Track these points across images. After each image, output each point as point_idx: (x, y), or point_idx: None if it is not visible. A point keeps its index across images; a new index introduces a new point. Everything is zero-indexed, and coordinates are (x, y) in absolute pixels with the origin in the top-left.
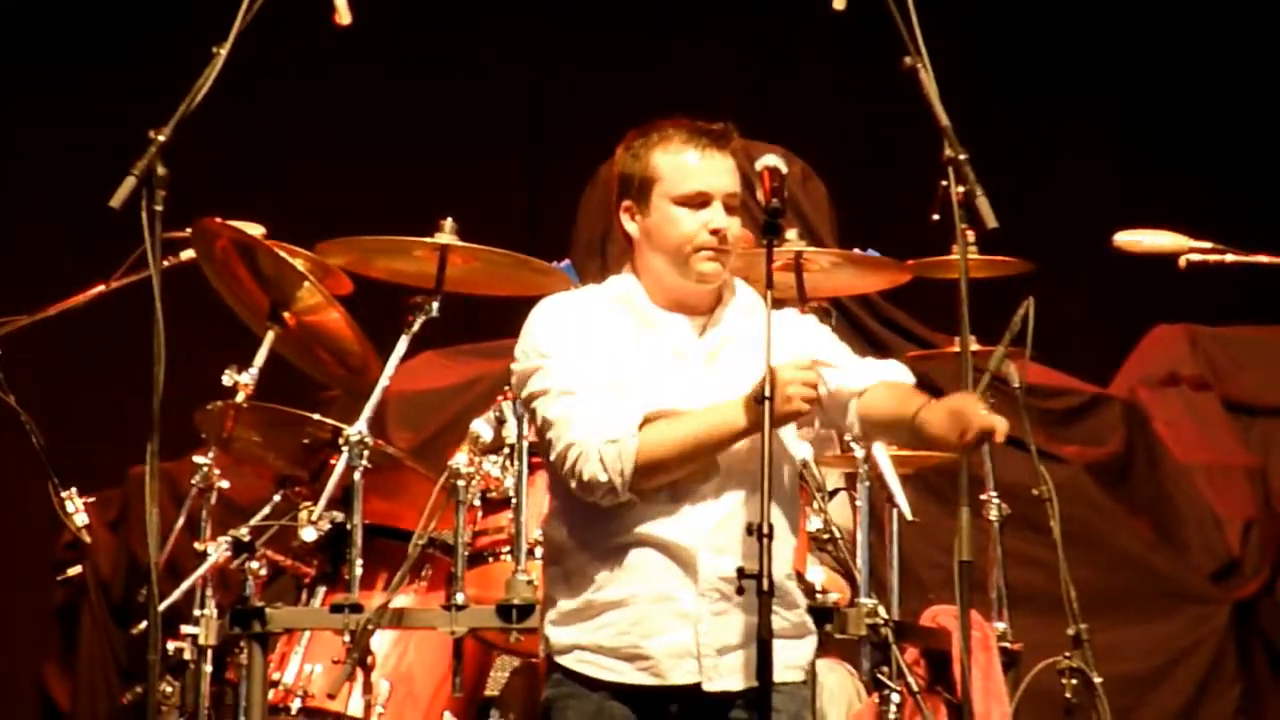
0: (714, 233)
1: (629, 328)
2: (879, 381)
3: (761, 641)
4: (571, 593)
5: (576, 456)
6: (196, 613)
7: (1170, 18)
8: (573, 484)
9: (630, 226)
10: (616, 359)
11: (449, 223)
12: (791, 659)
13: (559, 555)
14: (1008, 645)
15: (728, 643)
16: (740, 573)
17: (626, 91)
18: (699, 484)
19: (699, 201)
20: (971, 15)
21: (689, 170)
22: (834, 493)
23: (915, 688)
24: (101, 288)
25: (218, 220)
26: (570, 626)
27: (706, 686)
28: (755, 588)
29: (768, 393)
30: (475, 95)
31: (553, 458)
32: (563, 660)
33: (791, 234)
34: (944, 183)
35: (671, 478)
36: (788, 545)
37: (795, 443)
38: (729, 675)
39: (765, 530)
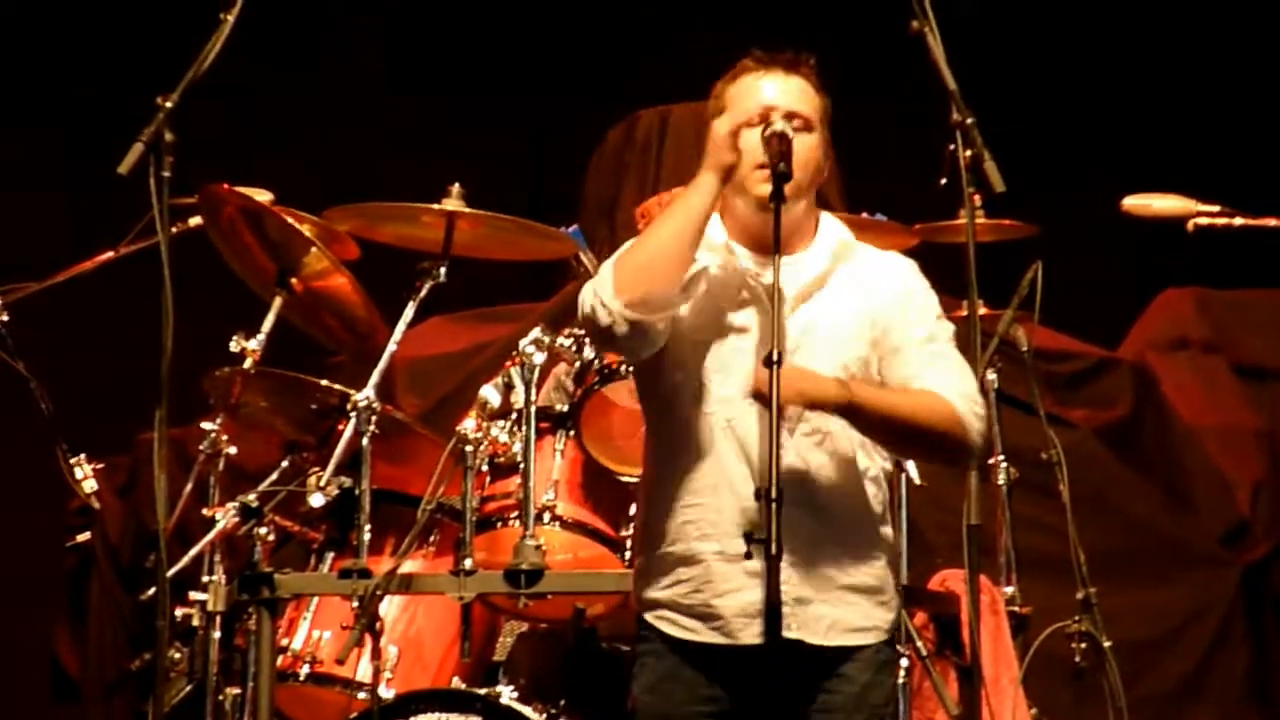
0: (768, 141)
1: (703, 261)
2: (920, 390)
3: (771, 606)
4: (648, 547)
5: (581, 308)
6: (205, 579)
7: None
8: (591, 334)
9: None
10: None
11: (456, 188)
12: (861, 620)
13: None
14: (1016, 609)
15: (801, 595)
16: (748, 538)
17: (632, 58)
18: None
19: (760, 119)
20: None
21: (750, 90)
22: None
23: (924, 652)
24: (110, 254)
25: (225, 187)
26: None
27: (786, 634)
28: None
29: (776, 356)
30: (480, 61)
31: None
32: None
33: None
34: (951, 147)
35: (660, 272)
36: (873, 510)
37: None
38: (801, 629)
39: (774, 495)
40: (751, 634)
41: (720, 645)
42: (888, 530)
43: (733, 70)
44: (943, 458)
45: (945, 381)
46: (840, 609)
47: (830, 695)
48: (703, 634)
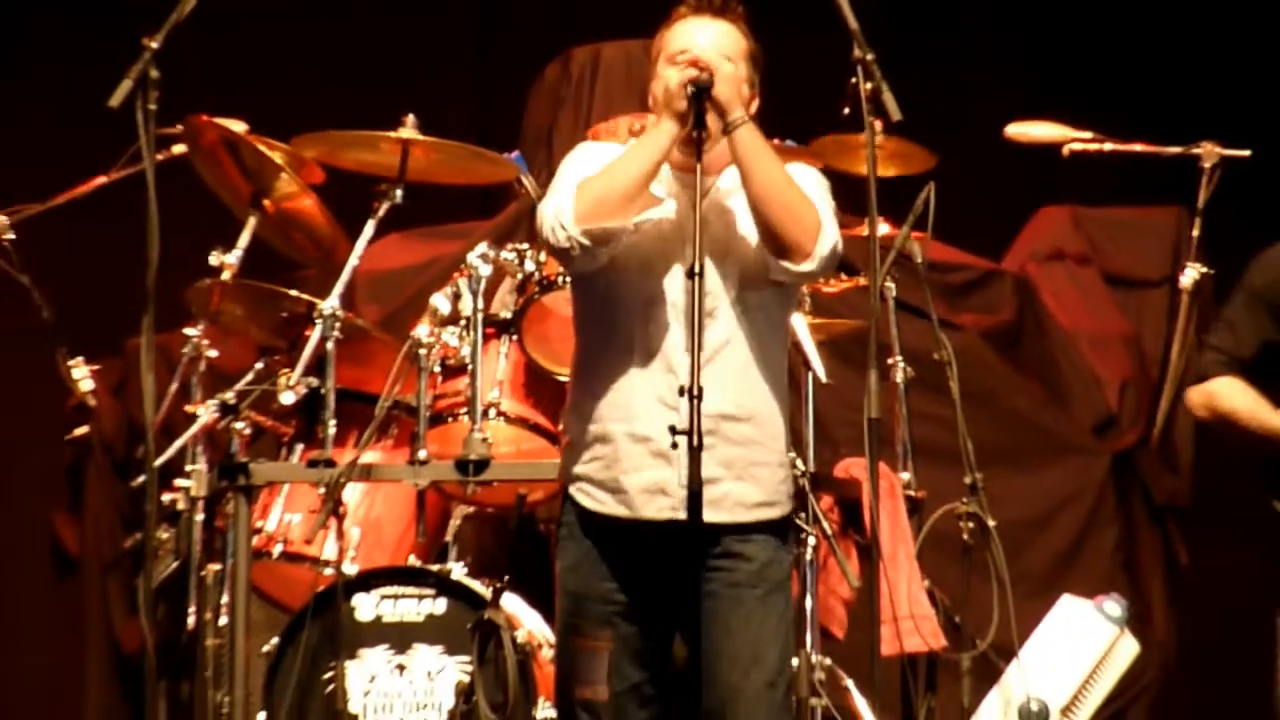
0: (692, 73)
1: None
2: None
3: (692, 493)
4: (573, 426)
5: (540, 222)
6: (189, 468)
7: None
8: (547, 248)
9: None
10: None
11: (411, 118)
12: (761, 497)
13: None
14: (912, 493)
15: (710, 475)
16: (672, 430)
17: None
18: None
19: (682, 54)
20: None
21: (678, 32)
22: None
23: (829, 532)
24: (102, 179)
25: (205, 118)
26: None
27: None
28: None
29: (699, 268)
30: (437, 4)
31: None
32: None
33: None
34: (853, 80)
35: (616, 206)
36: (773, 402)
37: (776, 316)
38: (708, 506)
39: (695, 392)
40: (652, 509)
41: (625, 519)
42: (785, 420)
43: (669, 17)
44: (786, 239)
45: (824, 211)
46: (743, 488)
47: (732, 572)
48: (610, 506)
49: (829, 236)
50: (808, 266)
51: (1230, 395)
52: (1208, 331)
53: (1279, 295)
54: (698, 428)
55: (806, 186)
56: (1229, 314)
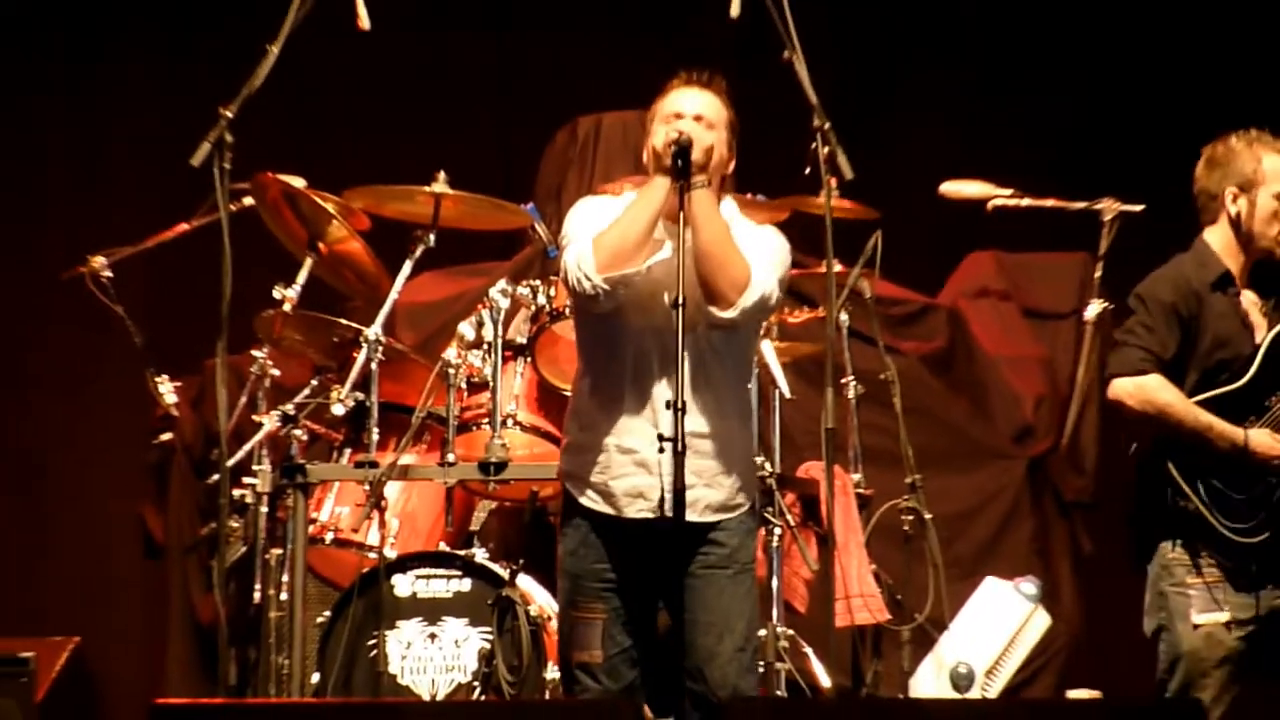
0: (675, 133)
1: None
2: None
3: (677, 490)
4: (572, 433)
5: (565, 271)
6: (255, 468)
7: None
8: (572, 295)
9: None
10: None
11: (442, 175)
12: (728, 499)
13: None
14: (861, 491)
15: (686, 482)
16: (660, 437)
17: (579, 73)
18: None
19: (672, 118)
20: (837, 18)
21: (672, 98)
22: None
23: (793, 523)
24: (184, 226)
25: (269, 175)
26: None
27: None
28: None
29: (681, 300)
30: (458, 72)
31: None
32: (566, 485)
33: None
34: (814, 145)
35: (629, 255)
36: (737, 421)
37: (739, 351)
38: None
39: (680, 405)
40: (633, 510)
41: (611, 516)
42: (751, 433)
43: (665, 86)
44: (715, 289)
45: (761, 265)
46: (710, 493)
47: (706, 555)
48: (599, 504)
49: (755, 292)
50: (730, 314)
51: (1162, 390)
52: (1111, 351)
53: (1189, 308)
54: (681, 436)
55: (759, 247)
56: (1146, 321)
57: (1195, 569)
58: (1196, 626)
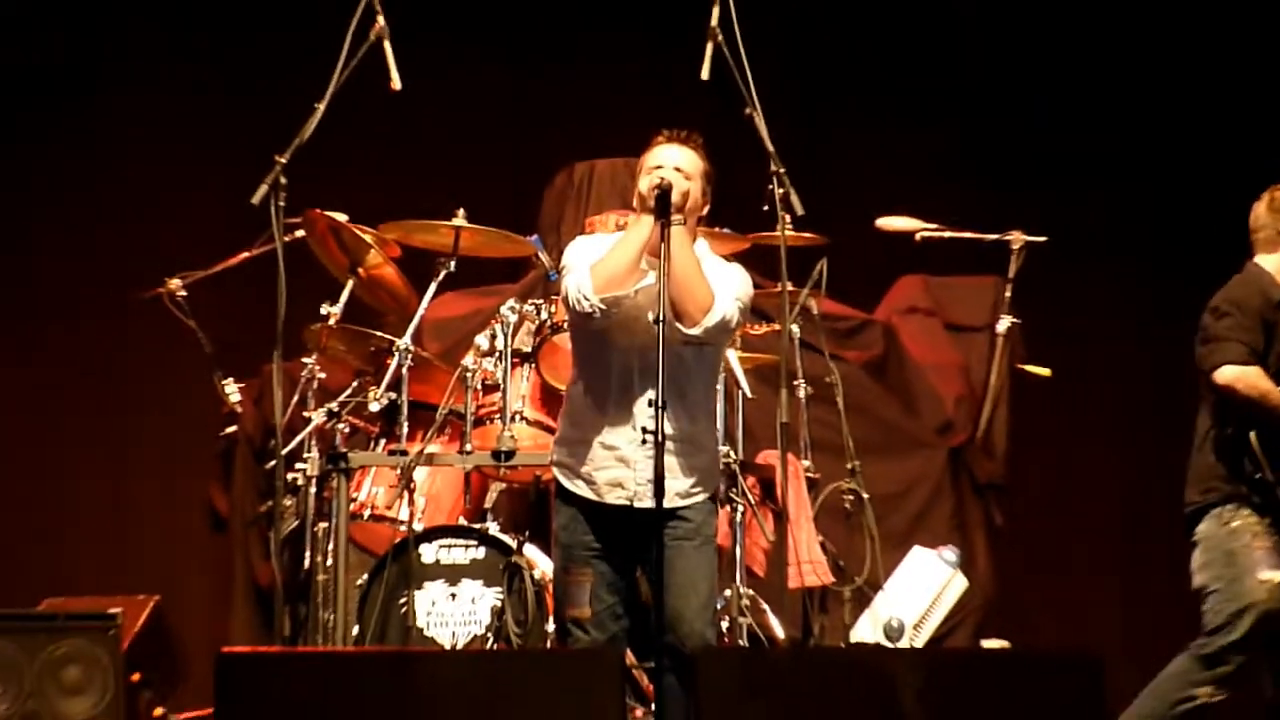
0: (658, 179)
1: None
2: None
3: (657, 480)
4: (563, 428)
5: (565, 294)
6: (305, 455)
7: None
8: (571, 314)
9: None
10: None
11: (461, 211)
12: (694, 487)
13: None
14: (810, 475)
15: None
16: (643, 430)
17: (579, 116)
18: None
19: (655, 169)
20: (790, 74)
21: (655, 153)
22: None
23: (753, 501)
24: (246, 254)
25: (317, 211)
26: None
27: (637, 504)
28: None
29: (662, 318)
30: (476, 127)
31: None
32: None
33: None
34: (770, 186)
35: (621, 279)
36: (705, 419)
37: (707, 363)
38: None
39: (661, 402)
40: (612, 497)
41: (594, 501)
42: (716, 431)
43: (650, 142)
44: (683, 310)
45: (723, 293)
46: (679, 483)
47: (676, 530)
48: (582, 490)
49: (716, 314)
50: (695, 331)
51: (1263, 379)
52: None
53: (1271, 316)
54: (661, 431)
55: (724, 280)
56: (1241, 322)
57: (1262, 532)
58: (1262, 581)
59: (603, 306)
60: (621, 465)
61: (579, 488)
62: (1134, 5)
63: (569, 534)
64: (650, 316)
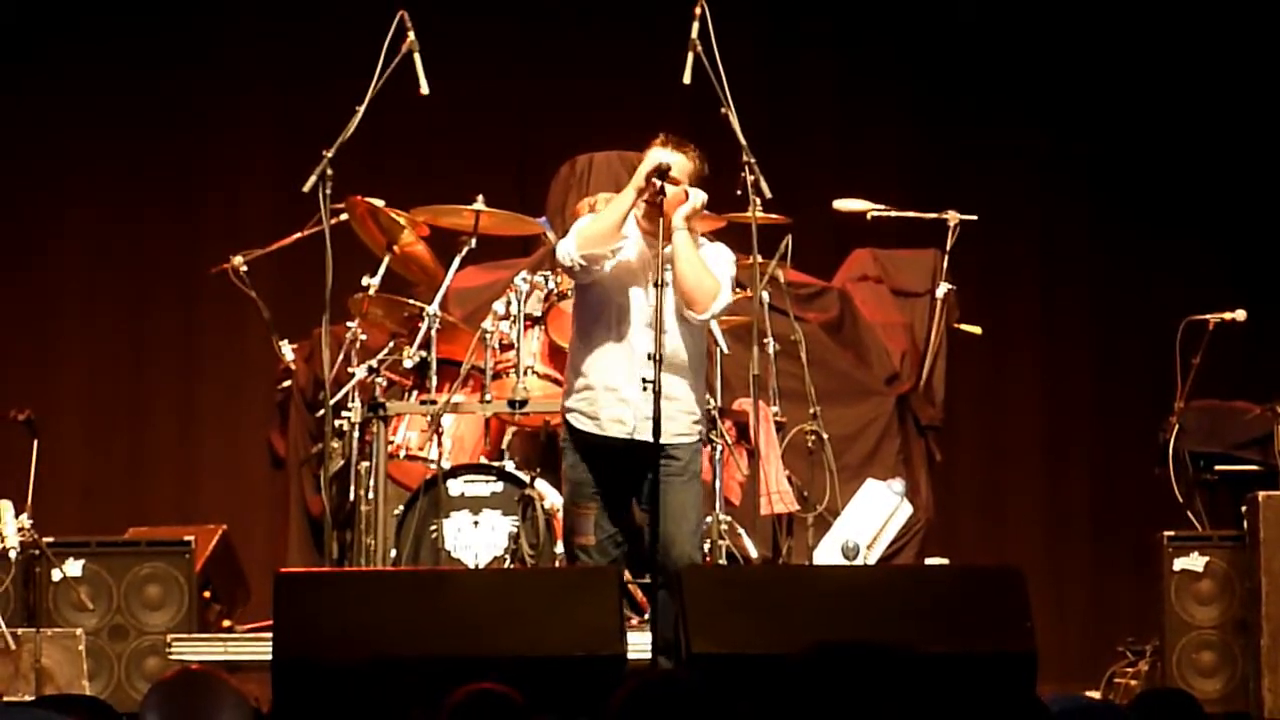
0: (651, 178)
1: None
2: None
3: (655, 421)
4: (570, 377)
5: (558, 255)
6: (350, 405)
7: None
8: (561, 268)
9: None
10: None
11: (480, 196)
12: (685, 429)
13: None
14: (778, 419)
15: (648, 414)
16: (644, 380)
17: (579, 116)
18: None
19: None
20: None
21: (653, 155)
22: None
23: (729, 441)
24: (298, 234)
25: (359, 197)
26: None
27: (636, 437)
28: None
29: (661, 281)
30: (487, 113)
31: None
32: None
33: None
34: (743, 173)
35: (599, 240)
36: (692, 373)
37: (697, 329)
38: (648, 433)
39: (658, 356)
40: (615, 431)
41: (599, 436)
42: (703, 377)
43: (650, 143)
44: (691, 298)
45: (724, 281)
46: (675, 423)
47: (668, 467)
48: (590, 427)
49: (721, 301)
50: (703, 316)
51: None
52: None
53: None
54: (658, 380)
55: (717, 263)
56: None
57: None
58: None
59: (582, 263)
60: (623, 405)
61: (584, 424)
62: None
63: (575, 473)
64: (650, 278)
